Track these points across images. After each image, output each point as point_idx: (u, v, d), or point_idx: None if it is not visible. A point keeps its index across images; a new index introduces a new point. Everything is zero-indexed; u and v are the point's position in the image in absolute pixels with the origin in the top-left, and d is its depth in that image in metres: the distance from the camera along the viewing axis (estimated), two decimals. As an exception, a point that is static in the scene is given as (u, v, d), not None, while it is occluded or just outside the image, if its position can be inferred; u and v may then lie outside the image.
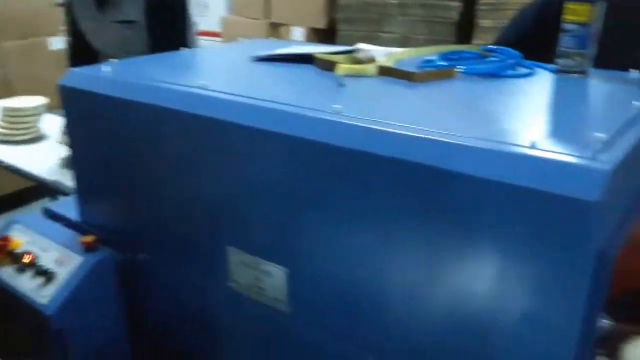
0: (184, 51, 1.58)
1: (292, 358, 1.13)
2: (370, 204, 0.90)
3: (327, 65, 1.21)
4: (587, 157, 0.76)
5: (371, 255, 0.93)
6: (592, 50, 1.17)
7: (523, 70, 1.22)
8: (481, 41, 2.96)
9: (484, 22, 3.06)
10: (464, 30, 3.16)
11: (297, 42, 1.85)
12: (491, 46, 1.34)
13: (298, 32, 3.83)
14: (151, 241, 1.29)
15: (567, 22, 1.16)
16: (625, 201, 0.90)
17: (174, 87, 1.14)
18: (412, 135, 0.85)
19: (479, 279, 0.84)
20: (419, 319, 0.92)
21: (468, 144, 0.82)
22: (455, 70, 1.19)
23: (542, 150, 0.78)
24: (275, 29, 3.92)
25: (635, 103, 0.98)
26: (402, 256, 0.90)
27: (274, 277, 1.07)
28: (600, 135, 0.81)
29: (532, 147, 0.79)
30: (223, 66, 1.42)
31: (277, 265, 1.05)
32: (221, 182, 1.09)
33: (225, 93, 1.08)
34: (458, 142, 0.82)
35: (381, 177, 0.87)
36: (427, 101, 1.07)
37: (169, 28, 2.16)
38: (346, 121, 0.92)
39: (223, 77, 1.26)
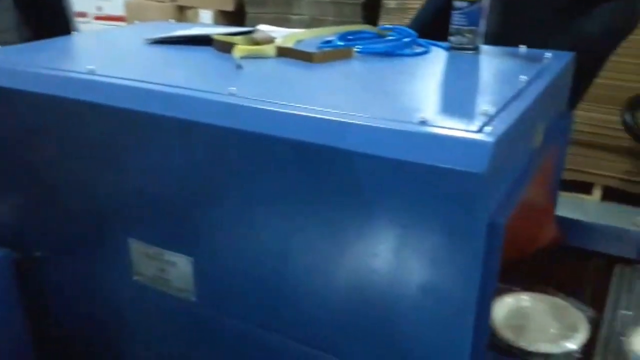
0: (73, 36, 1.50)
1: (204, 347, 1.11)
2: (270, 186, 0.89)
3: (225, 47, 1.18)
4: (474, 131, 0.78)
5: (274, 237, 0.92)
6: (482, 27, 1.21)
7: (418, 49, 1.25)
8: (386, 22, 3.01)
9: (389, 3, 3.11)
10: (371, 11, 3.21)
11: (198, 24, 1.79)
12: (388, 25, 1.36)
13: (206, 15, 3.73)
14: (48, 238, 1.22)
15: (458, 0, 1.19)
16: (513, 171, 0.94)
17: (59, 73, 1.07)
18: (306, 116, 0.85)
19: (379, 255, 0.85)
20: (325, 298, 0.92)
21: (361, 122, 0.82)
22: (353, 49, 1.19)
23: (432, 126, 0.80)
24: (182, 12, 3.81)
25: (522, 77, 1.02)
26: (304, 237, 0.89)
27: (178, 267, 1.04)
28: (487, 109, 0.84)
29: (422, 123, 0.80)
30: (114, 50, 1.35)
31: (181, 255, 1.03)
32: (116, 172, 1.04)
33: (114, 78, 1.03)
34: (351, 121, 0.82)
35: (278, 158, 0.86)
36: (323, 81, 1.07)
37: (42, 9, 2.01)
38: (241, 103, 0.90)
39: (113, 62, 1.20)
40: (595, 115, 2.91)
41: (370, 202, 0.82)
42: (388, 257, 0.84)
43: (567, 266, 1.27)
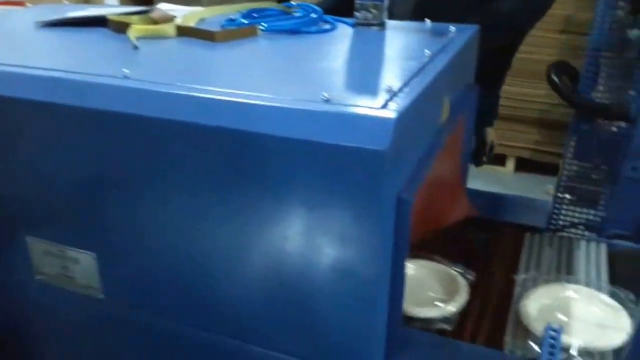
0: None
1: (115, 343, 1.06)
2: (173, 174, 0.84)
3: (120, 28, 1.11)
4: (377, 108, 0.76)
5: (181, 227, 0.88)
6: (386, 2, 1.20)
7: (324, 26, 1.22)
8: None
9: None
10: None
11: (97, 5, 1.69)
12: (294, 2, 1.32)
13: (112, -4, 3.55)
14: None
15: (363, -25, 1.18)
16: (420, 146, 0.94)
17: None
18: (204, 98, 0.81)
19: (292, 238, 0.82)
20: (240, 287, 0.89)
21: (263, 103, 0.79)
22: (257, 28, 1.15)
23: (335, 104, 0.78)
24: (87, -6, 3.61)
25: (427, 51, 1.02)
26: (213, 226, 0.86)
27: (82, 264, 0.98)
28: (391, 85, 0.83)
29: (326, 102, 0.78)
30: (1, 35, 1.25)
31: (84, 251, 0.97)
32: (7, 166, 0.96)
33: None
34: (253, 102, 0.79)
35: (180, 144, 0.82)
36: (226, 61, 1.02)
37: None
38: (135, 86, 0.84)
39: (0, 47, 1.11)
40: (506, 88, 3.01)
41: (280, 184, 0.80)
42: (301, 240, 0.82)
43: (479, 237, 1.30)
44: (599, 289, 1.04)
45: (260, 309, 0.90)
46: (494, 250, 1.26)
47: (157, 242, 0.91)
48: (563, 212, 1.37)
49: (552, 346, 0.79)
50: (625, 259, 1.09)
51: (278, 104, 0.78)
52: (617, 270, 1.09)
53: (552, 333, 0.81)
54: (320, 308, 0.86)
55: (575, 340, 0.91)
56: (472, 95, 1.29)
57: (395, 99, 0.80)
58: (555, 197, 1.36)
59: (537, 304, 1.01)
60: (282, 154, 0.78)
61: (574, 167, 1.31)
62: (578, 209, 1.34)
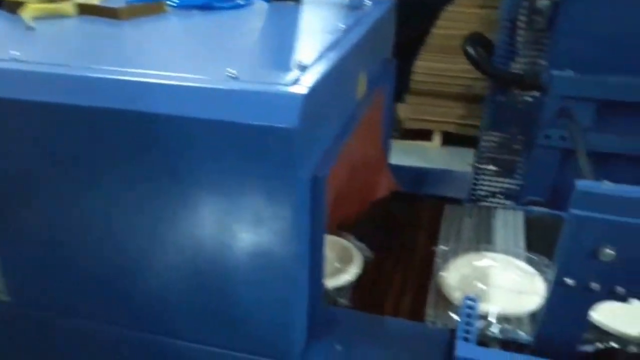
0: None
1: (26, 346, 1.00)
2: (74, 164, 0.79)
3: (15, 7, 1.03)
4: (286, 84, 0.74)
5: (89, 220, 0.83)
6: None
7: (239, 1, 1.18)
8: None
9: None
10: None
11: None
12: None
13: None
14: None
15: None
16: (335, 122, 0.92)
17: None
18: (99, 78, 0.76)
19: (207, 224, 0.80)
20: (156, 279, 0.86)
21: (165, 82, 0.74)
22: (165, 4, 1.10)
23: (242, 81, 0.74)
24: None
25: (341, 25, 1.00)
26: (124, 216, 0.82)
27: (-18, 264, 0.92)
28: (302, 60, 0.80)
29: (234, 79, 0.75)
30: None
31: (-17, 250, 0.91)
32: None
33: None
34: (154, 81, 0.75)
35: (79, 131, 0.77)
36: (130, 40, 0.97)
37: None
38: (24, 69, 0.78)
39: None
40: (431, 64, 3.04)
41: (189, 168, 0.76)
42: (215, 226, 0.80)
43: (402, 211, 1.31)
44: (516, 255, 1.07)
45: (179, 301, 0.87)
46: (416, 224, 1.27)
47: (63, 237, 0.86)
48: (483, 182, 1.39)
49: (469, 315, 0.80)
50: (541, 225, 1.12)
51: (180, 83, 0.74)
52: (534, 236, 1.12)
53: (469, 303, 0.82)
54: (240, 294, 0.84)
55: (493, 308, 0.93)
56: (390, 70, 1.28)
57: (306, 74, 0.77)
58: (475, 167, 1.39)
59: (456, 274, 1.03)
60: (188, 135, 0.74)
61: (492, 138, 1.34)
62: (497, 179, 1.37)
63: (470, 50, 1.15)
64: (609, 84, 0.88)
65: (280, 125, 0.70)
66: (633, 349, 0.81)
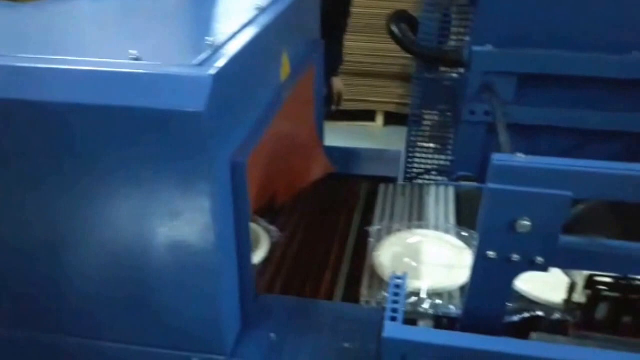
0: None
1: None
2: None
3: None
4: (193, 65, 0.71)
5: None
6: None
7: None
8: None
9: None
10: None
11: None
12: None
13: None
14: None
15: None
16: (255, 105, 0.89)
17: None
18: (-8, 66, 0.71)
19: (121, 219, 0.76)
20: (71, 279, 0.82)
21: (60, 66, 0.70)
22: (72, -14, 1.04)
23: (148, 64, 0.71)
24: None
25: (257, 3, 0.96)
26: (35, 213, 0.77)
27: None
28: (213, 40, 0.77)
29: (135, 60, 0.71)
30: None
31: None
32: None
33: None
34: (51, 67, 0.70)
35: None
36: (27, 23, 0.91)
37: None
38: None
39: None
40: (370, 45, 3.04)
41: (98, 160, 0.72)
42: (132, 220, 0.76)
43: (338, 192, 1.29)
44: (447, 231, 1.07)
45: (101, 300, 0.83)
46: (352, 204, 1.26)
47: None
48: (416, 160, 1.40)
49: (396, 294, 0.79)
50: (471, 200, 1.13)
51: (78, 67, 0.69)
52: (464, 211, 1.13)
53: (397, 281, 0.82)
54: (165, 290, 0.81)
55: (424, 284, 0.92)
56: (318, 50, 1.26)
57: (216, 55, 0.74)
58: (408, 146, 1.39)
59: (389, 253, 1.02)
60: (91, 125, 0.70)
61: (422, 115, 1.34)
62: (429, 156, 1.38)
63: (394, 28, 1.14)
64: (527, 57, 0.88)
65: (187, 110, 0.67)
66: (557, 315, 0.83)
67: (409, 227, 1.09)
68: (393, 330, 0.73)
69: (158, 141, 0.70)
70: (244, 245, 0.86)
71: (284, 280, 1.04)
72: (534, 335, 0.80)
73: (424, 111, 1.33)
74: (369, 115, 3.20)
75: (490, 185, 0.66)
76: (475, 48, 0.93)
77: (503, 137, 0.73)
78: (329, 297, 1.00)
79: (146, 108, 0.67)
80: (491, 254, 0.69)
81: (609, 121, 0.91)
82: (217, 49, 0.76)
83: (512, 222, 0.66)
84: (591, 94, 0.90)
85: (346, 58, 3.00)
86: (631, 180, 0.64)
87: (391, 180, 1.32)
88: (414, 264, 0.99)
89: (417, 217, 1.14)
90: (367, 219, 1.18)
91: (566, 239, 0.68)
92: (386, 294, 0.93)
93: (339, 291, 1.02)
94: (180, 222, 0.76)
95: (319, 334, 0.91)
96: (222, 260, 0.80)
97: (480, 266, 0.71)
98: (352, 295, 0.99)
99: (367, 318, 0.92)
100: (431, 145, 1.36)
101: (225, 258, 0.82)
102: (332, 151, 1.38)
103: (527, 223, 0.65)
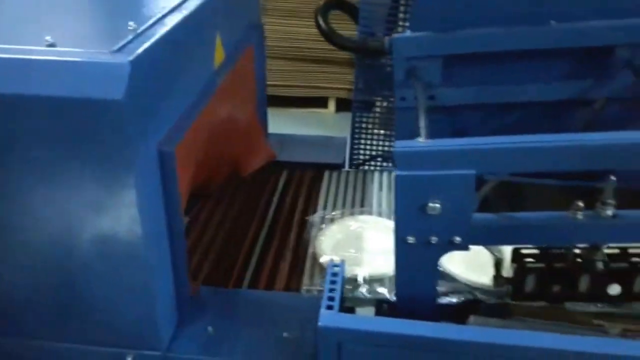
0: None
1: None
2: None
3: None
4: (110, 52, 0.67)
5: None
6: None
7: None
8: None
9: None
10: None
11: None
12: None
13: None
14: None
15: None
16: (185, 91, 0.85)
17: None
18: None
19: (47, 212, 0.73)
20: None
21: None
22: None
23: (64, 51, 0.67)
24: None
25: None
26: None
27: None
28: (135, 25, 0.73)
29: (52, 49, 0.67)
30: None
31: None
32: None
33: None
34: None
35: None
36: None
37: None
38: None
39: None
40: (313, 31, 3.02)
41: (16, 151, 0.69)
42: (57, 215, 0.73)
43: (281, 179, 1.27)
44: (388, 217, 1.07)
45: (30, 302, 0.81)
46: (296, 192, 1.24)
47: None
48: (362, 146, 1.39)
49: (334, 282, 0.78)
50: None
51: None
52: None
53: (334, 269, 0.81)
54: (96, 287, 0.79)
55: (363, 270, 0.92)
56: (257, 35, 1.23)
57: (137, 40, 0.71)
58: (353, 132, 1.38)
59: (331, 240, 1.02)
60: (6, 114, 0.66)
61: (373, 102, 1.33)
62: (375, 142, 1.37)
63: (319, 21, 1.11)
64: (446, 39, 0.88)
65: (105, 97, 0.64)
66: (490, 297, 0.83)
67: (352, 214, 1.09)
68: (328, 318, 0.72)
69: (76, 131, 0.67)
70: (177, 238, 0.83)
71: (222, 271, 1.02)
72: (471, 318, 0.80)
73: (366, 97, 1.31)
74: (321, 102, 3.18)
75: (397, 172, 0.66)
76: (395, 35, 0.92)
77: (422, 121, 0.73)
78: (270, 286, 0.99)
79: (61, 97, 0.64)
80: (410, 239, 0.69)
81: (536, 92, 0.91)
82: (139, 35, 0.72)
83: (423, 205, 0.66)
84: (516, 67, 0.90)
85: (297, 44, 2.98)
86: (530, 152, 0.65)
87: (337, 167, 1.30)
88: (353, 251, 0.99)
89: (360, 204, 1.13)
90: (310, 206, 1.17)
91: (479, 216, 0.68)
92: (327, 283, 0.92)
93: (281, 280, 1.00)
94: (105, 216, 0.73)
95: (257, 325, 0.89)
96: (152, 253, 0.77)
97: (402, 252, 0.71)
98: (294, 284, 0.98)
99: (307, 307, 0.91)
100: (382, 131, 1.34)
101: (156, 251, 0.79)
102: (275, 138, 1.36)
103: (436, 205, 0.66)
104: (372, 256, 0.97)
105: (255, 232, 1.11)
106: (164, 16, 0.80)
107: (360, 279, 0.91)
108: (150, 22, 0.77)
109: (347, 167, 1.35)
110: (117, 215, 0.72)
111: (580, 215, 0.65)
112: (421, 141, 0.66)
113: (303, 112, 3.07)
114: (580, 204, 0.65)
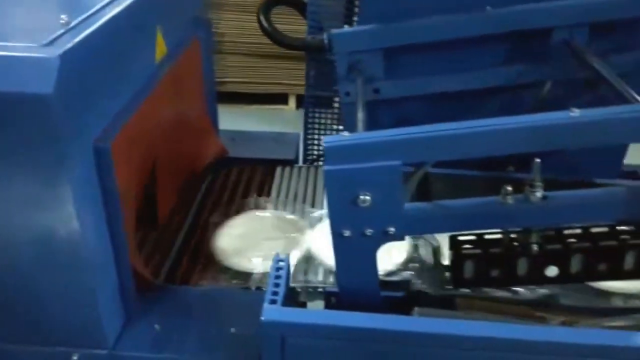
0: None
1: None
2: None
3: None
4: (40, 46, 0.66)
5: None
6: None
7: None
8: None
9: None
10: None
11: None
12: None
13: None
14: None
15: None
16: (123, 86, 0.84)
17: None
18: None
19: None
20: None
21: None
22: None
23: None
24: None
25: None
26: None
27: None
28: (68, 19, 0.72)
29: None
30: None
31: None
32: None
33: None
34: None
35: None
36: None
37: None
38: None
39: None
40: (280, 27, 3.00)
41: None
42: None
43: (232, 175, 1.26)
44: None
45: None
46: (247, 188, 1.23)
47: None
48: (316, 142, 1.39)
49: (278, 277, 0.78)
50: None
51: None
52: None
53: (279, 264, 0.80)
54: (35, 285, 0.77)
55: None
56: (204, 28, 1.20)
57: (69, 34, 0.69)
58: (306, 128, 1.37)
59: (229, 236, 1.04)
60: None
61: (317, 97, 1.33)
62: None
63: (261, 18, 1.10)
64: (383, 31, 0.88)
65: (34, 92, 0.63)
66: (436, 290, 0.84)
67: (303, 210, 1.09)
68: (271, 312, 0.72)
69: (7, 127, 0.65)
70: (118, 235, 0.82)
71: (170, 268, 1.01)
72: (416, 309, 0.81)
73: (318, 93, 1.31)
74: (281, 99, 3.17)
75: (325, 167, 0.66)
76: (332, 31, 0.92)
77: (360, 115, 0.73)
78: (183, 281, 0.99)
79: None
80: (346, 232, 0.69)
81: (478, 79, 0.92)
82: (71, 28, 0.71)
83: (354, 198, 0.66)
84: (456, 56, 0.91)
85: (257, 40, 2.95)
86: (451, 139, 0.65)
87: (289, 162, 1.30)
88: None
89: (311, 199, 1.14)
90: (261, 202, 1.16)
91: (411, 205, 0.69)
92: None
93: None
94: (42, 214, 0.72)
95: (205, 321, 0.89)
96: (92, 251, 0.76)
97: (340, 245, 0.71)
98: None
99: (255, 302, 0.90)
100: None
101: (96, 249, 0.78)
102: (227, 134, 1.35)
103: (366, 197, 0.66)
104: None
105: (202, 228, 1.10)
106: (100, 9, 0.79)
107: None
108: (85, 15, 0.75)
109: (300, 163, 1.34)
110: (54, 212, 0.71)
111: (510, 200, 0.66)
112: (346, 135, 0.66)
113: (263, 108, 3.06)
114: (509, 188, 0.66)
